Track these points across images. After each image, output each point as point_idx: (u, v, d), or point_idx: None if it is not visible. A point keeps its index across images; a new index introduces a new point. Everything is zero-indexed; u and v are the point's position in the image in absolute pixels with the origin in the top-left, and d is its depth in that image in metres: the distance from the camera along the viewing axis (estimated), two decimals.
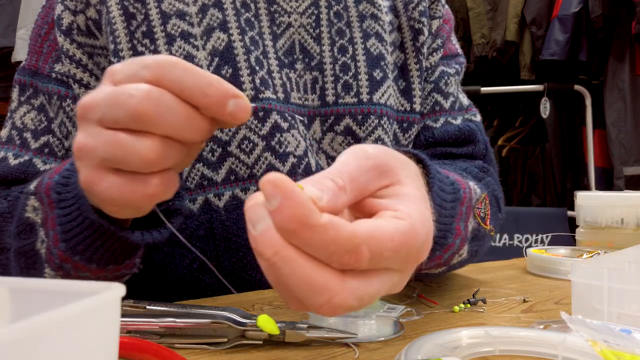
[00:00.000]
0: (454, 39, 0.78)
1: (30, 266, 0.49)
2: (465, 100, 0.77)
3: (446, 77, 0.74)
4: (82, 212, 0.42)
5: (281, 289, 0.28)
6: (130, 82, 0.33)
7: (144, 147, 0.33)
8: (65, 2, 0.61)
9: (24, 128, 0.62)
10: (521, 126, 2.72)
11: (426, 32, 0.71)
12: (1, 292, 0.24)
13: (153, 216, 0.45)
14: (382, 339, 0.43)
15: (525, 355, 0.38)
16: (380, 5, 0.70)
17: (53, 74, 0.62)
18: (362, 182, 0.30)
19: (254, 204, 0.27)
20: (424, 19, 0.71)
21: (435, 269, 0.56)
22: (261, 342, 0.41)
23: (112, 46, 0.60)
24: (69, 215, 0.43)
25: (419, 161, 0.47)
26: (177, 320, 0.41)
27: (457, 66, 0.76)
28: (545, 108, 2.29)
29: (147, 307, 0.42)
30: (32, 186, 0.48)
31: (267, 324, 0.40)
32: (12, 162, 0.60)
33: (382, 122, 0.66)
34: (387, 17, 0.70)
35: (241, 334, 0.41)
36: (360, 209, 0.31)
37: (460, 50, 0.78)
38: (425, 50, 0.71)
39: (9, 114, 0.64)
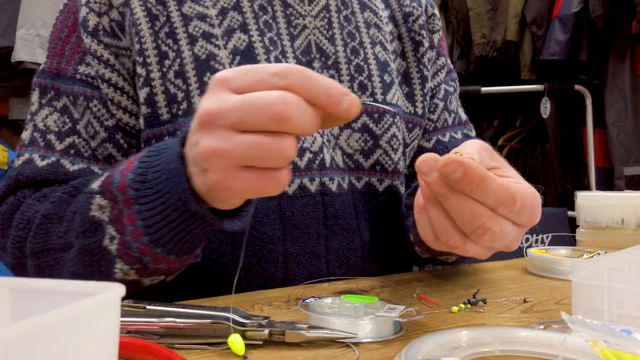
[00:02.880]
0: (446, 52, 0.85)
1: (95, 263, 0.50)
2: (463, 115, 0.85)
3: (450, 96, 0.82)
4: (169, 207, 0.44)
5: (438, 214, 0.43)
6: (258, 90, 0.37)
7: (286, 147, 0.37)
8: (90, 5, 0.63)
9: (47, 130, 0.63)
10: (521, 126, 2.71)
11: (426, 44, 0.78)
12: (2, 292, 0.24)
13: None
14: (382, 339, 0.43)
15: (526, 356, 0.38)
16: (381, 16, 0.76)
17: (77, 75, 0.64)
18: (483, 157, 0.43)
19: (427, 159, 0.41)
20: (423, 32, 0.78)
21: (453, 257, 0.68)
22: (261, 342, 0.41)
23: (137, 46, 0.62)
24: (153, 210, 0.45)
25: None
26: (177, 320, 0.41)
27: (453, 83, 0.84)
28: (545, 108, 2.29)
29: (147, 307, 0.42)
30: (94, 185, 0.50)
31: (234, 345, 0.39)
32: (40, 163, 0.61)
33: (396, 120, 0.71)
34: (388, 28, 0.76)
35: (241, 334, 0.41)
36: None
37: (451, 65, 0.85)
38: (425, 60, 0.77)
39: (29, 117, 0.65)
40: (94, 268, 0.50)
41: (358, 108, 0.38)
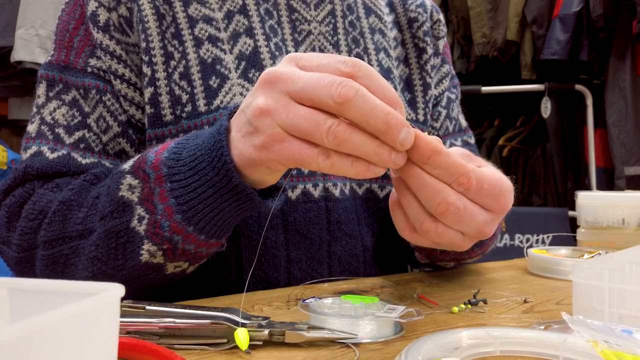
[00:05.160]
0: (450, 58, 0.85)
1: (120, 245, 0.50)
2: (463, 121, 0.84)
3: (452, 104, 0.81)
4: (204, 183, 0.45)
5: (409, 198, 0.43)
6: (324, 71, 0.39)
7: (333, 125, 0.38)
8: None
9: (55, 123, 0.62)
10: (522, 126, 2.71)
11: (430, 51, 0.77)
12: (0, 292, 0.24)
13: None
14: (383, 339, 0.43)
15: (526, 356, 0.38)
16: (386, 22, 0.75)
17: (89, 68, 0.63)
18: (460, 156, 0.43)
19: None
20: (427, 39, 0.77)
21: (451, 263, 0.67)
22: (261, 343, 0.41)
23: (143, 44, 0.61)
24: (186, 187, 0.46)
25: None
26: (177, 320, 0.40)
27: (455, 90, 0.84)
28: (546, 108, 2.29)
29: (147, 307, 0.42)
30: (126, 166, 0.51)
31: (239, 339, 0.39)
32: (50, 155, 0.60)
33: None
34: (392, 33, 0.76)
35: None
36: None
37: (453, 71, 0.85)
38: (428, 67, 0.77)
39: (35, 109, 0.64)
40: (119, 251, 0.50)
41: (412, 139, 0.39)
